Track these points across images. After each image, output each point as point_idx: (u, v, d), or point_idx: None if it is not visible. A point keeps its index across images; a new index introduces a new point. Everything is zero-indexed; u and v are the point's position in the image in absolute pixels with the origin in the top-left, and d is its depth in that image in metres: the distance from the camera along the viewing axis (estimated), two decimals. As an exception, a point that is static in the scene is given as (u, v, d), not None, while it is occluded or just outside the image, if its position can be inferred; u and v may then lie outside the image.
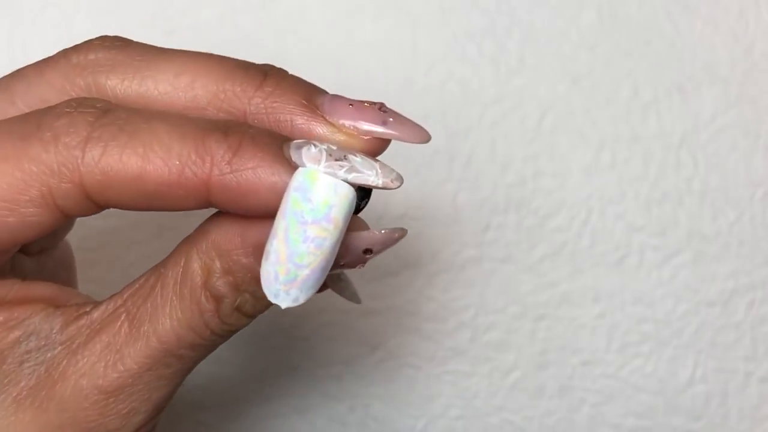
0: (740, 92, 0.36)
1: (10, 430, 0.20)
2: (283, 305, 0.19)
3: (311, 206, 0.18)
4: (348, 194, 0.18)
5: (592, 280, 0.36)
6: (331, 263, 0.19)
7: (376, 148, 0.20)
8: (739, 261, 0.36)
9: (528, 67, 0.35)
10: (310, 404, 0.36)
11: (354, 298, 0.25)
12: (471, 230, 0.35)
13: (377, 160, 0.19)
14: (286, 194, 0.18)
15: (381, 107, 0.20)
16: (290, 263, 0.18)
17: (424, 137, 0.20)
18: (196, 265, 0.20)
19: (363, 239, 0.20)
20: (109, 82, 0.20)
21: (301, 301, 0.19)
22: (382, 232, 0.20)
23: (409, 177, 0.35)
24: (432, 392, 0.36)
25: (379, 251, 0.20)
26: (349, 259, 0.20)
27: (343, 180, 0.18)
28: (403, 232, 0.20)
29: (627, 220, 0.36)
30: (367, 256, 0.20)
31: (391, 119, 0.20)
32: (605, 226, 0.36)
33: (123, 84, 0.20)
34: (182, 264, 0.20)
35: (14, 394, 0.20)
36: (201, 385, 0.35)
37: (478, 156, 0.35)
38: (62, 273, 0.25)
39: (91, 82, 0.20)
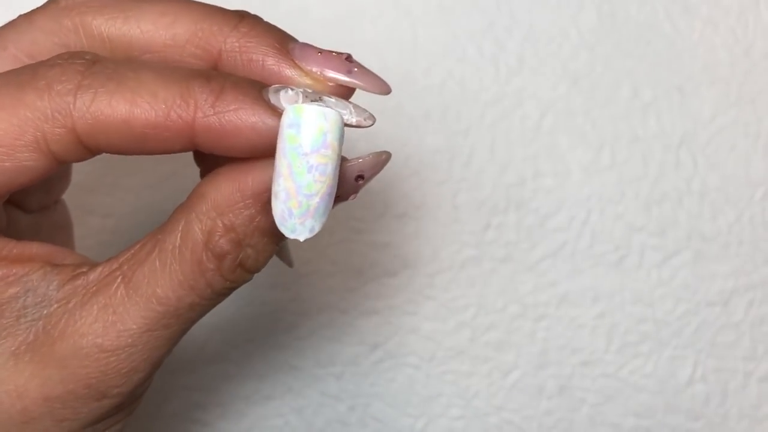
0: (740, 92, 0.36)
1: (7, 381, 0.20)
2: (302, 238, 0.20)
3: (307, 137, 0.19)
4: (337, 118, 0.19)
5: (592, 280, 0.36)
6: (335, 189, 0.20)
7: (340, 94, 0.21)
8: (739, 261, 0.36)
9: (528, 67, 0.35)
10: (309, 404, 0.36)
11: (289, 260, 0.26)
12: (471, 230, 0.35)
13: (350, 102, 0.20)
14: (280, 134, 0.19)
15: (347, 58, 0.21)
16: (300, 195, 0.19)
17: (385, 89, 0.21)
18: (196, 228, 0.20)
19: (353, 166, 0.21)
20: (95, 21, 0.21)
21: (317, 230, 0.20)
22: (369, 156, 0.21)
23: (409, 177, 0.35)
24: (432, 392, 0.36)
25: (370, 177, 0.22)
26: (343, 189, 0.21)
27: None
28: (388, 155, 0.22)
29: (627, 220, 0.36)
30: (360, 182, 0.21)
31: (355, 69, 0.21)
32: (605, 226, 0.36)
33: (108, 23, 0.21)
34: (180, 229, 0.20)
35: (12, 348, 0.20)
36: (200, 384, 0.35)
37: (478, 156, 0.35)
38: (59, 235, 0.26)
39: (78, 23, 0.21)
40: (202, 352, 0.35)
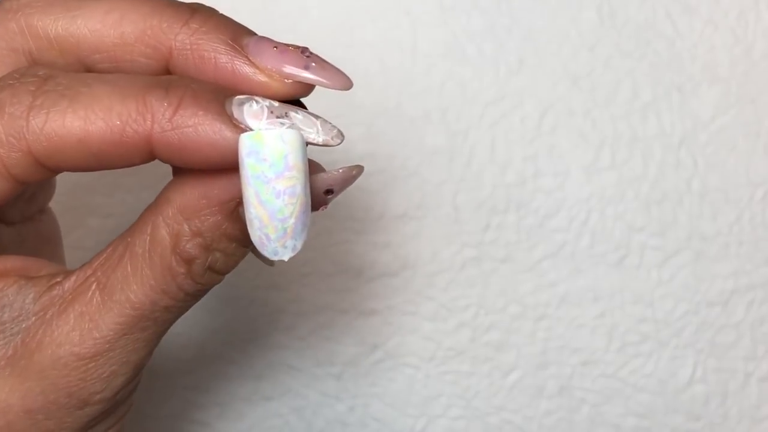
0: (740, 92, 0.36)
1: None
2: (286, 258, 0.20)
3: (268, 164, 0.19)
4: (296, 137, 0.19)
5: (592, 280, 0.36)
6: (309, 202, 0.20)
7: (299, 91, 0.20)
8: (739, 261, 0.36)
9: (528, 67, 0.35)
10: (309, 404, 0.36)
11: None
12: (471, 230, 0.35)
13: (318, 117, 0.20)
14: (240, 164, 0.19)
15: (304, 51, 0.20)
16: (275, 221, 0.19)
17: (346, 83, 0.20)
18: (163, 232, 0.20)
19: (323, 180, 0.21)
20: (40, 23, 0.21)
21: (299, 247, 0.20)
22: (340, 171, 0.21)
23: (409, 176, 0.35)
24: (432, 392, 0.36)
25: (339, 191, 0.21)
26: (312, 202, 0.20)
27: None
28: (360, 169, 0.21)
29: (627, 220, 0.36)
30: (329, 196, 0.21)
31: (313, 64, 0.20)
32: (605, 226, 0.36)
33: (54, 24, 0.21)
34: (148, 232, 0.20)
35: None
36: (200, 384, 0.35)
37: (478, 156, 0.35)
38: (45, 246, 0.25)
39: (24, 25, 0.21)
40: (201, 353, 0.35)
